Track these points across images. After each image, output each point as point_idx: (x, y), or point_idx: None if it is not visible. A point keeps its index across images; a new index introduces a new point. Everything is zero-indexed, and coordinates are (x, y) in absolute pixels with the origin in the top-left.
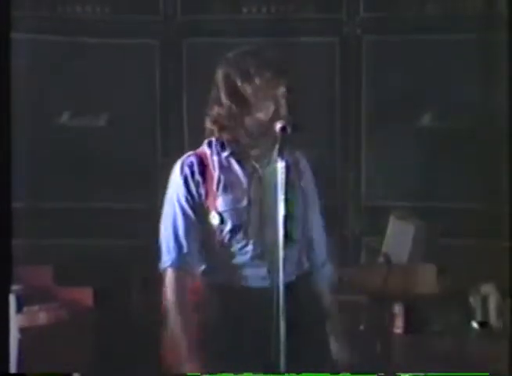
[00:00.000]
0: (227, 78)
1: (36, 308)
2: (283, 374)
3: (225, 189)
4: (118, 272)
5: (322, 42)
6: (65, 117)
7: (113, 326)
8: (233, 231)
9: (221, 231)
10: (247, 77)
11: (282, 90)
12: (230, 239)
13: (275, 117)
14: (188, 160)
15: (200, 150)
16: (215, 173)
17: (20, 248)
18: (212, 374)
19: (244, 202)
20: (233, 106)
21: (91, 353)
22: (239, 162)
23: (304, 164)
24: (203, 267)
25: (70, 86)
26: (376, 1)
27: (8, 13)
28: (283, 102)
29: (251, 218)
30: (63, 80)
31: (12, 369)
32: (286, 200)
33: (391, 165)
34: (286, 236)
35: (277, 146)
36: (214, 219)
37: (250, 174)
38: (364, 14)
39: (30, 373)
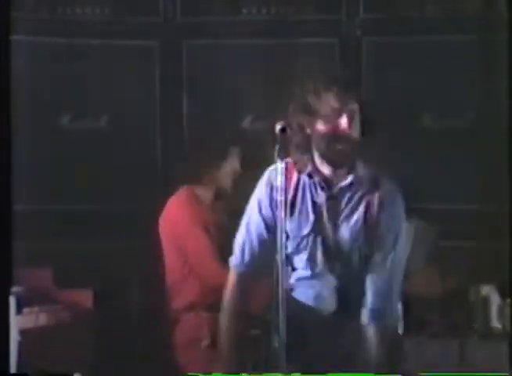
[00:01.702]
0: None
1: (36, 310)
2: (285, 374)
3: (292, 214)
4: (118, 274)
5: (322, 43)
6: (65, 119)
7: (112, 327)
8: (294, 253)
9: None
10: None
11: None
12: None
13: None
14: (274, 174)
15: (289, 163)
16: (289, 195)
17: (20, 250)
18: (213, 374)
19: (305, 231)
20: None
21: (91, 355)
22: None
23: (386, 191)
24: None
25: (71, 88)
26: (376, 3)
27: (8, 15)
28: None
29: (309, 246)
30: (63, 81)
31: (13, 370)
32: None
33: (390, 166)
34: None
35: (277, 147)
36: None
37: (317, 202)
38: (364, 15)
39: (31, 374)
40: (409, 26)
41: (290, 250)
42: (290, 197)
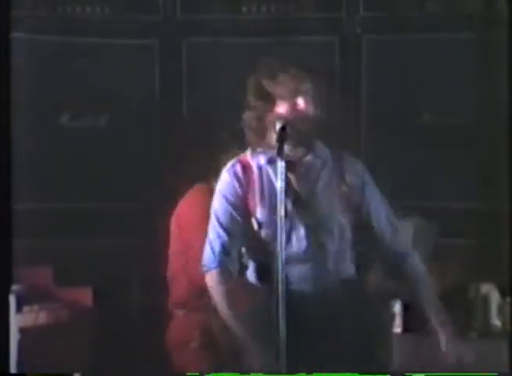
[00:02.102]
0: (254, 80)
1: (36, 308)
2: (285, 374)
3: (262, 200)
4: (118, 273)
5: (322, 41)
6: (65, 118)
7: (112, 326)
8: (270, 239)
9: (261, 235)
10: (272, 75)
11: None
12: (267, 243)
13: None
14: (232, 169)
15: (243, 158)
16: (255, 183)
17: (20, 249)
18: (215, 374)
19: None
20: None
21: (91, 353)
22: (275, 170)
23: (350, 163)
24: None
25: (70, 86)
26: (376, 1)
27: (8, 13)
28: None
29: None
30: (63, 80)
31: (12, 369)
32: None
33: (390, 164)
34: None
35: (277, 145)
36: (254, 225)
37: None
38: (364, 13)
39: (31, 373)
40: (408, 24)
41: (266, 238)
42: (256, 187)
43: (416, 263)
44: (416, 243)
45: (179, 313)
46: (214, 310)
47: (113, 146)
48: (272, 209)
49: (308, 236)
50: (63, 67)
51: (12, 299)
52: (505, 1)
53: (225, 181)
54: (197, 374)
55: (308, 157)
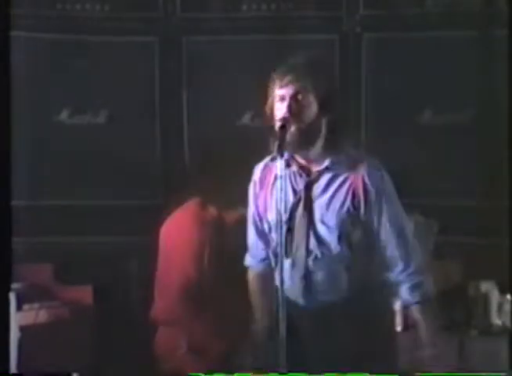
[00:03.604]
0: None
1: (36, 306)
2: (284, 374)
3: (272, 205)
4: (118, 270)
5: (322, 39)
6: (64, 115)
7: (112, 323)
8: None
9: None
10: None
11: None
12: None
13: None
14: (256, 168)
15: (267, 160)
16: (270, 187)
17: (20, 246)
18: (215, 373)
19: (285, 217)
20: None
21: (91, 350)
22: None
23: (367, 171)
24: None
25: (70, 84)
26: None
27: (7, 11)
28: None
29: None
30: (63, 78)
31: (13, 367)
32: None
33: (390, 162)
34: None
35: (276, 144)
36: (266, 226)
37: (297, 190)
38: (364, 11)
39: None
40: (408, 22)
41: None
42: (269, 190)
43: (428, 288)
44: (417, 240)
45: (164, 325)
46: (199, 320)
47: (112, 144)
48: (279, 212)
49: (315, 243)
50: (62, 65)
51: (12, 297)
52: None
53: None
54: (197, 374)
55: (325, 163)
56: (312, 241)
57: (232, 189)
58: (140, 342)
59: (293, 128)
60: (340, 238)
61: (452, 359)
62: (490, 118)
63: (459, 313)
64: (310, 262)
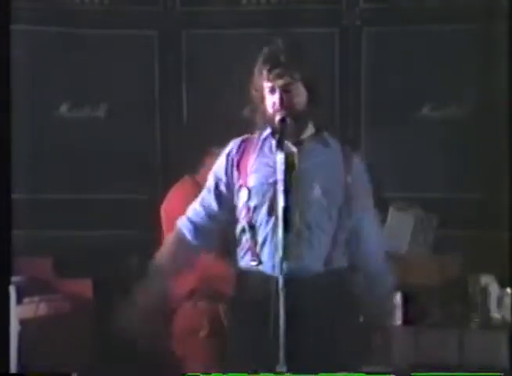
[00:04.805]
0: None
1: (36, 299)
2: (284, 373)
3: (257, 169)
4: (118, 264)
5: (322, 33)
6: (64, 108)
7: (112, 317)
8: (258, 206)
9: (249, 208)
10: (260, 72)
11: (280, 83)
12: (255, 215)
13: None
14: (231, 144)
15: (252, 135)
16: (253, 155)
17: (20, 240)
18: (212, 374)
19: (271, 179)
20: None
21: (91, 343)
22: (277, 144)
23: (356, 162)
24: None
25: (69, 77)
26: None
27: (7, 5)
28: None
29: (276, 195)
30: (62, 71)
31: (13, 360)
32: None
33: (390, 156)
34: (286, 227)
35: (277, 138)
36: (243, 195)
37: (284, 156)
38: (363, 5)
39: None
40: (408, 16)
41: (253, 205)
42: (253, 157)
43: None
44: (416, 234)
45: (187, 303)
46: (222, 298)
47: (112, 137)
48: (263, 177)
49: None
50: (62, 58)
51: (12, 291)
52: None
53: (221, 157)
54: (197, 374)
55: (313, 138)
56: (307, 204)
57: None
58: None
59: (288, 120)
60: (331, 203)
61: (451, 352)
62: (490, 112)
63: (458, 307)
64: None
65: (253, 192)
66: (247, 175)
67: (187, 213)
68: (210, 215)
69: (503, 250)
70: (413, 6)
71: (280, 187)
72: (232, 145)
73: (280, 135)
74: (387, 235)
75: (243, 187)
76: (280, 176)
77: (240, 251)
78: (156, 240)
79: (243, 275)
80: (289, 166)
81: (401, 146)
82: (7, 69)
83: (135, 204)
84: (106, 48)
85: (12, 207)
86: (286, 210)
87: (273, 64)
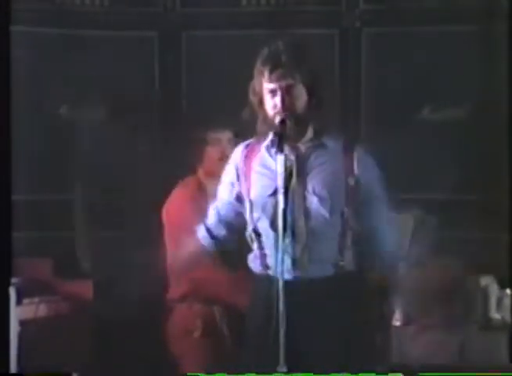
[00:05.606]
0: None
1: (36, 300)
2: (284, 374)
3: (258, 180)
4: (118, 265)
5: (322, 34)
6: (64, 110)
7: (112, 318)
8: (261, 218)
9: (252, 219)
10: (259, 73)
11: (282, 84)
12: (258, 225)
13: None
14: (237, 150)
15: (253, 140)
16: (255, 164)
17: (20, 241)
18: (212, 374)
19: (270, 191)
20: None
21: (91, 344)
22: (276, 146)
23: (361, 155)
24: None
25: (69, 78)
26: None
27: (7, 6)
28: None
29: (276, 209)
30: (62, 72)
31: (12, 361)
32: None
33: (390, 157)
34: (285, 229)
35: (276, 140)
36: (247, 206)
37: (283, 164)
38: (363, 6)
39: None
40: (408, 17)
41: (255, 216)
42: (255, 167)
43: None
44: (416, 235)
45: (182, 305)
46: (216, 299)
47: (112, 138)
48: (263, 190)
49: (305, 219)
50: (62, 59)
51: (12, 292)
52: None
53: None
54: (197, 374)
55: (311, 143)
56: (306, 212)
57: None
58: (140, 337)
59: (288, 122)
60: (332, 210)
61: (451, 353)
62: (489, 113)
63: (458, 307)
64: (305, 234)
65: (254, 205)
66: (250, 186)
67: (207, 223)
68: (228, 220)
69: (503, 251)
70: (413, 7)
71: (280, 194)
72: (237, 153)
73: (280, 137)
74: None
75: (247, 198)
76: (280, 182)
77: (250, 256)
78: (156, 240)
79: (253, 279)
80: (288, 174)
81: (400, 146)
82: (7, 69)
83: (135, 205)
84: (106, 49)
85: (12, 208)
86: (285, 215)
87: (274, 65)
